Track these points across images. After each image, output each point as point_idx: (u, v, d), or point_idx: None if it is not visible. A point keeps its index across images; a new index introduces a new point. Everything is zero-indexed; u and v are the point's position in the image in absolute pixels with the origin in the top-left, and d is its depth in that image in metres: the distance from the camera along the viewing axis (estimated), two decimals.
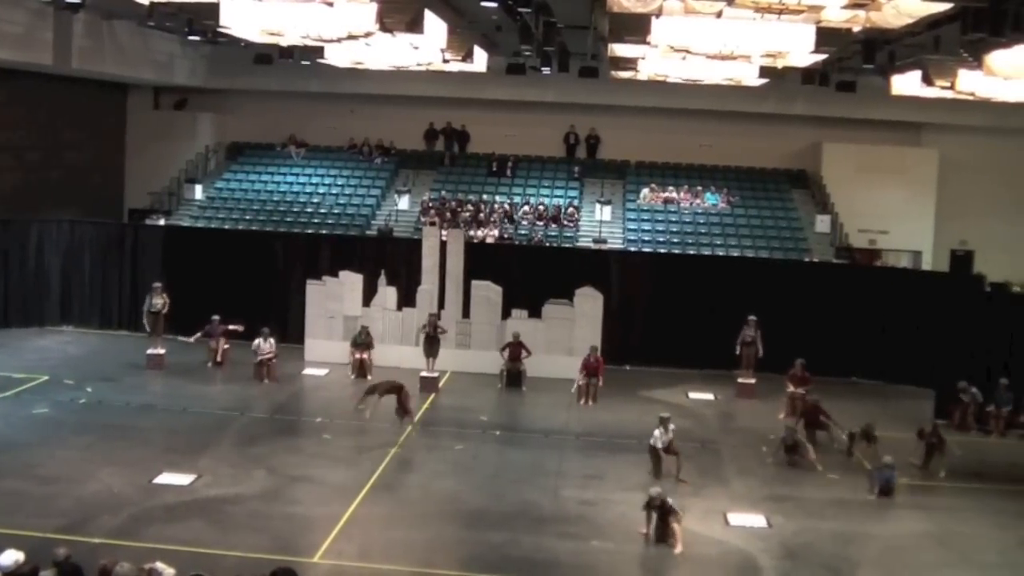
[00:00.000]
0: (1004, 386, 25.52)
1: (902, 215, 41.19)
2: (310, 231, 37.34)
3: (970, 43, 23.54)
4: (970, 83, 26.41)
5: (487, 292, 29.57)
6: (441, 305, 29.58)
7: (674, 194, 41.20)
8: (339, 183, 42.43)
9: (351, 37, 21.51)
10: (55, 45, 32.33)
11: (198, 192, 41.63)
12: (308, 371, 28.82)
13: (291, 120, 44.15)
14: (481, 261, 30.53)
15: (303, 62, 34.06)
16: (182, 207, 41.13)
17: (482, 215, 39.35)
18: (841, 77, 34.33)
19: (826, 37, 21.06)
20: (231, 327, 28.63)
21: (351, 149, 44.29)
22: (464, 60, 29.31)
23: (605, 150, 44.04)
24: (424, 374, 27.56)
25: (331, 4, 20.14)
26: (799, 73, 31.62)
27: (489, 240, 37.00)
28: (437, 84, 38.87)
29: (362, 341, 28.47)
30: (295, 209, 40.43)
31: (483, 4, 26.14)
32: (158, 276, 30.49)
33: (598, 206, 39.92)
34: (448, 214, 39.06)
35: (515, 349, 28.38)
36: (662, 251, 36.94)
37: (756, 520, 19.17)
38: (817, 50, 21.52)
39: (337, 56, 28.27)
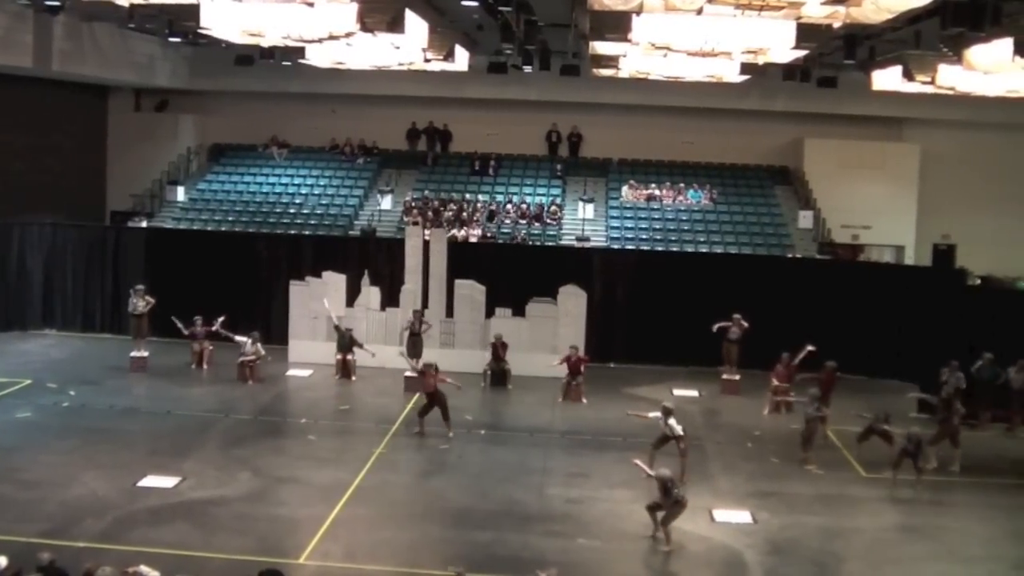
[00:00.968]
0: (989, 360, 25.39)
1: (884, 210, 41.31)
2: (293, 232, 37.29)
3: (950, 38, 23.69)
4: (950, 78, 26.55)
5: (471, 291, 29.55)
6: (425, 304, 29.54)
7: (657, 191, 41.24)
8: (321, 183, 42.35)
9: (332, 37, 21.52)
10: (35, 47, 32.18)
11: (180, 194, 41.51)
12: (292, 372, 28.77)
13: (273, 121, 44.05)
14: (464, 260, 30.50)
15: (284, 63, 33.99)
16: (164, 209, 41.01)
17: (465, 214, 39.33)
18: (822, 73, 34.42)
19: (806, 33, 21.15)
20: (214, 328, 28.51)
21: (333, 149, 44.21)
22: (445, 59, 29.35)
23: (587, 148, 44.05)
24: (408, 374, 27.52)
25: (311, 4, 20.14)
26: (780, 69, 31.68)
27: (472, 239, 36.98)
28: (419, 83, 38.87)
29: (344, 344, 28.35)
30: (278, 210, 40.35)
31: (464, 3, 26.17)
32: (141, 278, 30.42)
33: (581, 204, 39.95)
34: (431, 213, 39.02)
35: (497, 351, 28.41)
36: (645, 248, 36.96)
37: (741, 516, 19.20)
38: (798, 46, 21.62)
39: (318, 56, 28.27)
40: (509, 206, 40.31)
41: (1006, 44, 21.37)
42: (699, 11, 19.88)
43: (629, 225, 39.51)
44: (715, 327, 28.01)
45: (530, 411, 26.08)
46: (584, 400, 26.96)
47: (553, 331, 29.01)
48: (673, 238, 38.56)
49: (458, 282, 29.65)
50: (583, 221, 39.51)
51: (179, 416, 24.35)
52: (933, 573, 17.36)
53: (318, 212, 40.27)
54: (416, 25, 23.50)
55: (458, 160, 44.03)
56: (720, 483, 21.21)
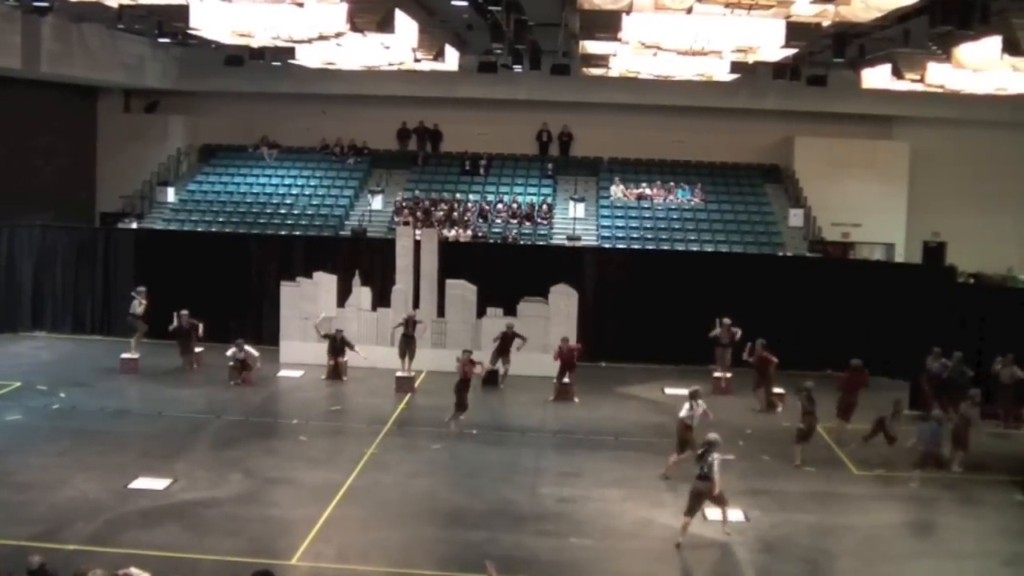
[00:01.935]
0: (958, 359, 25.53)
1: (874, 208, 41.39)
2: (283, 232, 37.28)
3: (939, 36, 23.75)
4: (939, 76, 26.60)
5: (462, 291, 29.54)
6: (416, 304, 29.53)
7: (647, 190, 41.26)
8: (312, 184, 42.33)
9: (322, 37, 21.50)
10: (23, 49, 32.11)
11: (170, 195, 41.47)
12: (283, 373, 28.73)
13: (263, 121, 44.03)
14: (455, 260, 30.50)
15: (274, 63, 33.97)
16: (154, 210, 40.96)
17: (456, 214, 39.32)
18: (812, 71, 34.46)
19: (796, 32, 21.18)
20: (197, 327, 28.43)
21: (324, 150, 44.21)
22: (435, 59, 29.33)
23: (578, 147, 44.08)
24: (400, 374, 27.52)
25: (301, 5, 20.11)
26: (770, 68, 31.72)
27: (463, 239, 36.97)
28: (409, 83, 38.87)
29: (336, 347, 28.20)
30: (268, 210, 40.33)
31: (453, 3, 26.16)
32: (131, 280, 30.41)
33: (571, 203, 39.97)
34: (422, 213, 39.02)
35: (505, 342, 28.26)
36: (636, 247, 37.00)
37: (733, 514, 19.15)
38: (787, 45, 21.62)
39: (308, 57, 28.22)
40: (500, 205, 40.33)
41: (994, 42, 21.42)
42: (689, 10, 19.89)
43: (620, 224, 39.54)
44: (711, 333, 28.00)
45: (522, 410, 26.06)
46: (576, 399, 26.95)
47: (544, 330, 28.99)
48: (664, 237, 38.61)
49: (449, 282, 29.64)
50: (574, 220, 39.54)
51: (170, 418, 24.30)
52: (924, 570, 17.40)
53: (308, 212, 40.25)
54: (406, 25, 23.48)
55: (449, 160, 44.05)
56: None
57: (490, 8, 25.58)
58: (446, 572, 16.52)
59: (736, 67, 27.59)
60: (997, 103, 32.89)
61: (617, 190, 41.21)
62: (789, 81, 34.02)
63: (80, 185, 42.25)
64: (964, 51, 23.16)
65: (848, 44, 27.91)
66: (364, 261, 31.06)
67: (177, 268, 31.35)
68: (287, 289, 29.83)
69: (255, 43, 24.53)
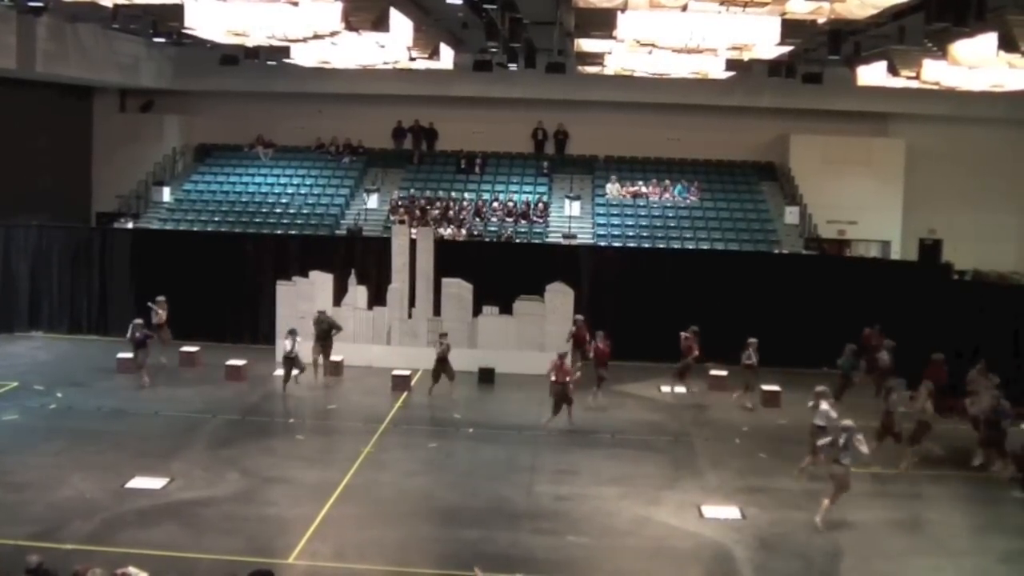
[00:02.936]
0: (851, 351, 26.26)
1: (870, 205, 41.39)
2: (279, 232, 37.22)
3: (934, 33, 23.74)
4: (935, 73, 26.57)
5: (458, 289, 29.55)
6: (412, 303, 29.55)
7: (643, 188, 41.27)
8: (307, 183, 42.29)
9: (317, 36, 21.47)
10: (19, 49, 32.05)
11: (166, 194, 41.41)
12: (279, 372, 28.68)
13: (258, 121, 43.96)
14: (451, 258, 30.50)
15: (269, 62, 33.91)
16: (150, 210, 40.90)
17: (451, 212, 39.32)
18: (807, 69, 34.42)
19: (791, 29, 21.16)
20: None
21: (319, 149, 44.16)
22: (431, 58, 29.28)
23: (573, 145, 44.05)
24: (397, 372, 27.53)
25: (296, 4, 20.08)
26: (765, 65, 31.70)
27: (459, 238, 36.97)
28: (404, 82, 38.83)
29: (323, 331, 27.74)
30: (264, 210, 40.28)
31: (448, 1, 26.12)
32: (127, 280, 30.51)
33: (567, 201, 39.99)
34: (417, 212, 39.00)
35: (580, 332, 28.32)
36: (632, 245, 37.00)
37: (730, 512, 19.24)
38: (782, 42, 21.61)
39: (303, 56, 28.20)
40: (495, 204, 40.31)
41: (990, 39, 21.37)
42: (684, 8, 19.87)
43: (615, 222, 39.53)
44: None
45: (518, 409, 26.06)
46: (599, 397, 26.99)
47: (540, 329, 29.02)
48: (660, 235, 38.59)
49: (445, 280, 29.66)
50: (569, 219, 39.55)
51: (167, 417, 24.31)
52: (921, 566, 17.42)
53: (304, 212, 40.22)
54: (401, 24, 23.44)
55: (444, 158, 44.00)
56: (709, 479, 21.23)
57: (485, 6, 25.58)
58: (443, 571, 16.54)
59: (731, 65, 27.57)
60: (993, 100, 32.89)
61: (613, 188, 41.19)
62: (784, 79, 34.01)
63: (76, 185, 42.19)
64: (960, 48, 23.13)
65: (843, 41, 27.90)
66: (360, 260, 31.11)
67: (173, 268, 31.38)
68: (283, 288, 29.83)
69: (250, 42, 24.53)
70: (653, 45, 21.53)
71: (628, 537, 18.05)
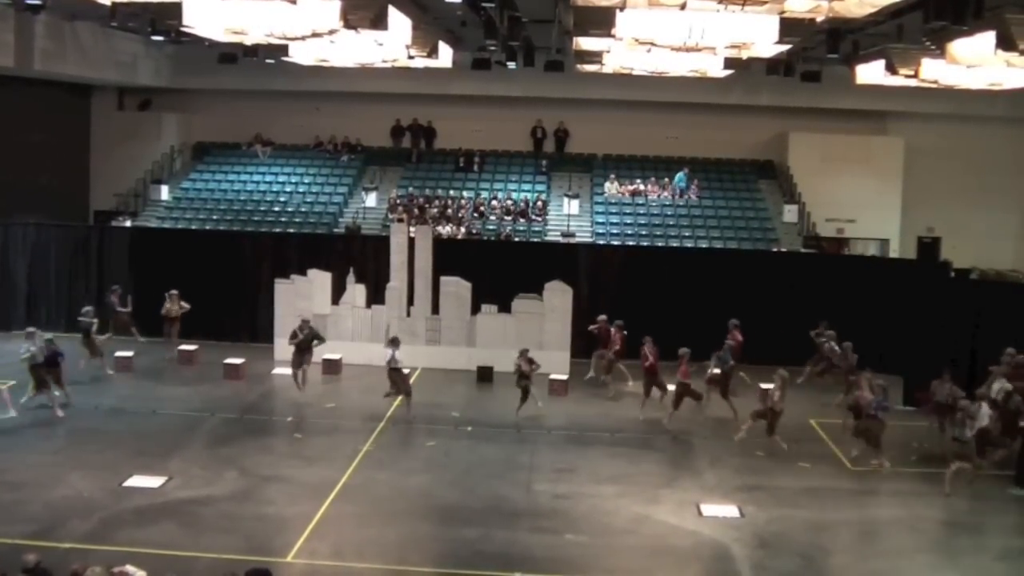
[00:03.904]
0: (729, 347, 26.00)
1: (869, 203, 41.43)
2: (278, 230, 37.23)
3: (933, 31, 23.73)
4: (933, 71, 26.57)
5: (456, 288, 29.53)
6: (411, 301, 29.54)
7: (641, 186, 41.26)
8: (306, 181, 42.30)
9: (315, 35, 21.43)
10: (17, 47, 32.04)
11: (164, 193, 41.43)
12: (278, 371, 28.68)
13: (257, 119, 43.94)
14: (450, 257, 30.45)
15: (268, 60, 33.90)
16: (148, 208, 40.92)
17: (450, 211, 39.31)
18: (806, 67, 34.42)
19: (790, 27, 21.14)
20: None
21: (317, 147, 44.16)
22: (429, 56, 29.24)
23: (572, 144, 44.08)
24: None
25: (294, 2, 20.04)
26: (764, 64, 31.72)
27: (458, 236, 36.97)
28: (403, 80, 38.83)
29: (307, 341, 26.52)
30: (262, 208, 40.29)
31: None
32: (125, 278, 30.47)
33: (566, 200, 40.01)
34: (416, 211, 39.01)
35: (605, 333, 28.16)
36: (631, 244, 37.00)
37: (729, 510, 19.23)
38: (781, 40, 21.58)
39: (302, 54, 28.17)
40: (494, 202, 40.31)
41: (989, 37, 21.37)
42: (683, 6, 19.86)
43: (614, 221, 39.55)
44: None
45: (516, 407, 26.01)
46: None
47: (539, 327, 29.00)
48: (658, 233, 38.61)
49: (444, 279, 29.62)
50: (568, 217, 39.57)
51: (164, 415, 24.29)
52: (919, 565, 17.40)
53: (303, 210, 40.22)
54: (399, 22, 23.41)
55: (443, 157, 44.03)
56: (707, 477, 21.23)
57: (484, 5, 25.56)
58: (441, 569, 16.54)
59: (730, 63, 27.55)
60: (991, 98, 32.92)
61: (611, 187, 41.20)
62: (783, 77, 34.04)
63: (74, 183, 42.17)
64: (958, 46, 23.12)
65: (842, 40, 27.91)
66: (358, 258, 31.05)
67: (171, 266, 31.30)
68: (281, 286, 29.81)
69: (248, 40, 24.46)
70: (652, 43, 21.52)
71: (627, 535, 18.04)
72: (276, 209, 40.23)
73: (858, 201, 41.24)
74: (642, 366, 25.67)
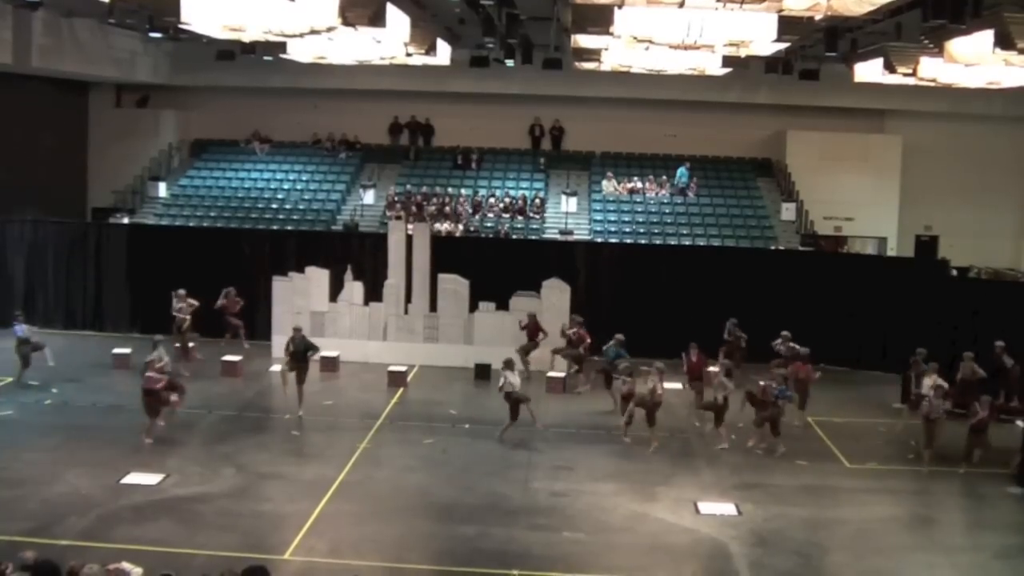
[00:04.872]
0: (619, 342, 26.23)
1: (867, 202, 41.44)
2: (275, 227, 37.21)
3: (931, 30, 23.74)
4: (932, 70, 26.60)
5: (454, 285, 29.53)
6: (408, 299, 29.53)
7: (639, 184, 41.25)
8: (304, 178, 42.27)
9: (313, 32, 21.42)
10: (14, 44, 32.00)
11: (162, 190, 41.38)
12: (275, 368, 28.61)
13: (255, 116, 43.89)
14: (447, 254, 30.46)
15: (266, 58, 33.87)
16: (146, 205, 40.88)
17: (448, 208, 39.30)
18: (804, 65, 34.43)
19: (788, 25, 21.18)
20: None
21: (315, 144, 44.13)
22: (427, 53, 29.27)
23: (570, 141, 44.05)
24: (392, 369, 27.50)
25: None
26: (762, 62, 31.73)
27: (455, 233, 36.96)
28: (401, 78, 38.80)
29: (301, 352, 25.12)
30: (260, 205, 40.27)
31: None
32: (123, 275, 30.51)
33: (564, 197, 40.00)
34: (414, 208, 38.99)
35: (533, 328, 28.19)
36: (628, 242, 37.00)
37: (726, 508, 19.24)
38: (779, 39, 21.62)
39: (300, 51, 28.19)
40: (492, 200, 40.30)
41: (987, 36, 21.40)
42: (681, 4, 19.85)
43: (612, 218, 39.53)
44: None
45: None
46: (580, 390, 27.18)
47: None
48: (656, 231, 38.60)
49: (441, 276, 29.62)
50: (566, 214, 39.56)
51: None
52: (917, 563, 17.40)
53: (300, 207, 40.20)
54: (398, 19, 23.42)
55: (441, 154, 44.01)
56: (704, 475, 21.23)
57: (482, 2, 25.56)
58: (439, 567, 16.55)
59: (728, 61, 27.55)
60: (989, 97, 32.98)
61: (609, 184, 41.19)
62: (781, 75, 34.04)
63: (72, 180, 42.11)
64: (956, 45, 23.16)
65: (840, 38, 27.90)
66: (356, 256, 31.06)
67: (169, 263, 31.29)
68: (279, 283, 29.80)
69: (246, 37, 24.41)
70: (650, 41, 21.53)
71: (624, 533, 18.05)
72: (274, 206, 40.20)
73: (856, 199, 41.26)
74: (685, 370, 25.87)
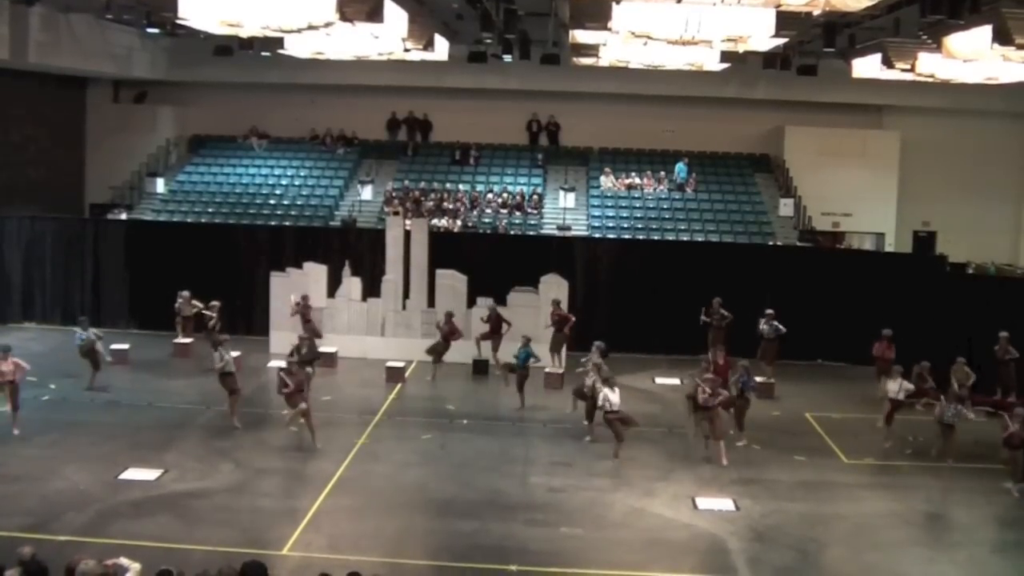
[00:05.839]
0: (525, 340, 25.95)
1: (865, 197, 41.42)
2: (273, 223, 37.22)
3: (929, 25, 23.74)
4: (930, 65, 26.60)
5: (452, 281, 29.52)
6: (406, 295, 29.52)
7: (637, 180, 41.24)
8: (301, 174, 42.23)
9: (311, 27, 21.38)
10: (11, 39, 31.92)
11: (160, 186, 41.37)
12: (273, 363, 28.56)
13: (252, 112, 43.84)
14: (445, 250, 30.47)
15: (263, 53, 33.86)
16: (144, 201, 40.85)
17: (446, 204, 39.28)
18: (802, 61, 34.47)
19: (786, 21, 21.17)
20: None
21: (313, 140, 44.09)
22: (425, 49, 29.23)
23: (568, 137, 44.01)
24: (391, 364, 27.50)
25: None
26: (760, 57, 31.70)
27: (453, 229, 36.95)
28: (398, 73, 38.69)
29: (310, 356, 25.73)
30: (258, 201, 40.24)
31: None
32: (120, 271, 30.50)
33: (562, 193, 39.99)
34: (412, 203, 38.96)
35: (495, 323, 28.08)
36: (626, 237, 37.00)
37: (724, 504, 19.26)
38: (778, 34, 21.60)
39: (297, 47, 28.14)
40: (490, 195, 40.28)
41: (985, 31, 21.41)
42: None
43: (610, 214, 39.52)
44: (702, 319, 28.11)
45: (512, 400, 25.99)
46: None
47: (535, 320, 28.95)
48: (654, 227, 38.60)
49: (439, 272, 29.63)
50: (564, 210, 39.55)
51: (160, 408, 24.29)
52: (914, 558, 17.42)
53: (298, 203, 40.17)
54: (395, 15, 23.38)
55: (438, 150, 43.96)
56: (702, 471, 21.23)
57: None
58: (437, 562, 16.56)
59: (726, 57, 27.56)
60: (987, 92, 32.93)
61: (607, 180, 41.18)
62: (779, 71, 34.01)
63: (69, 176, 42.06)
64: (955, 40, 23.16)
65: (838, 33, 27.93)
66: (354, 251, 31.07)
67: (167, 259, 31.34)
68: (277, 279, 29.80)
69: (244, 33, 24.40)
70: (648, 37, 21.50)
71: (622, 529, 18.06)
72: (272, 202, 40.17)
73: (854, 195, 41.24)
74: (711, 373, 25.39)
